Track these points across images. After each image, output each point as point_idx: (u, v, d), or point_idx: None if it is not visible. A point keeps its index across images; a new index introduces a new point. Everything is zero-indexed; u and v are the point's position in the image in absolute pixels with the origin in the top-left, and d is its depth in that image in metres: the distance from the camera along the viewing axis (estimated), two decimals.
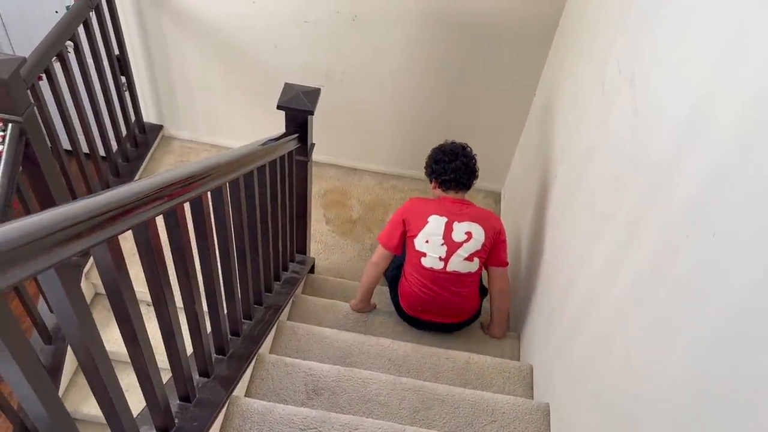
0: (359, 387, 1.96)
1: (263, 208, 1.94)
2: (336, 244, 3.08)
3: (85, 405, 2.46)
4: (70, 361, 2.43)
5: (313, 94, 2.17)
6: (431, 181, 2.39)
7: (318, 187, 3.30)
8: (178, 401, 1.50)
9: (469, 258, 2.26)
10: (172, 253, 1.28)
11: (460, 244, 2.25)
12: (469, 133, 3.15)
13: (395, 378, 2.01)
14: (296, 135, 2.19)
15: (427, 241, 2.26)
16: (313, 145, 2.34)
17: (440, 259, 2.26)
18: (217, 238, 1.53)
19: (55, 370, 2.34)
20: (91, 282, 2.65)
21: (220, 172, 1.48)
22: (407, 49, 2.87)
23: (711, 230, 1.09)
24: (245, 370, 1.78)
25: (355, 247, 3.08)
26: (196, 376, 1.62)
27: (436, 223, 2.25)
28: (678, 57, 1.38)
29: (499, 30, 2.74)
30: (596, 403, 1.55)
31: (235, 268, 1.66)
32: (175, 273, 1.33)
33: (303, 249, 2.68)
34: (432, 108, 3.09)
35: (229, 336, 1.86)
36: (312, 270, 2.85)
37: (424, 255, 2.27)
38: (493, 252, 2.31)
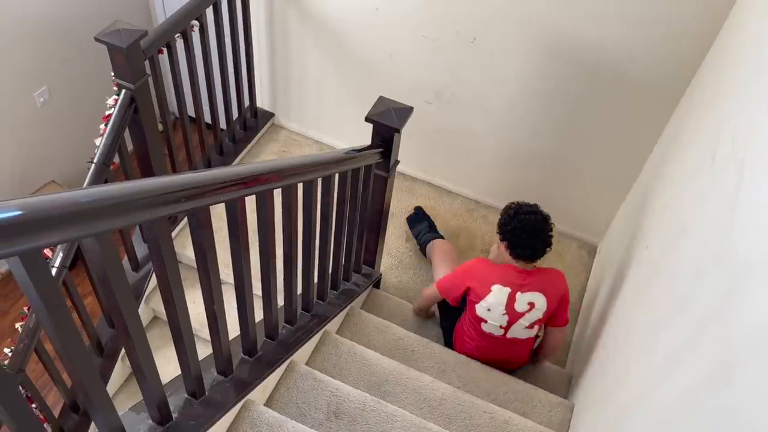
0: (382, 421, 1.88)
1: (325, 216, 1.92)
2: (410, 264, 3.00)
3: None
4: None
5: (404, 112, 2.11)
6: (502, 241, 2.24)
7: (407, 202, 3.24)
8: (185, 395, 1.50)
9: (530, 326, 2.26)
10: (195, 251, 1.28)
11: (522, 314, 2.23)
12: (573, 178, 2.97)
13: (422, 421, 1.91)
14: (380, 150, 2.14)
15: (488, 310, 2.24)
16: (397, 162, 2.28)
17: (501, 327, 2.27)
18: (259, 238, 1.52)
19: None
20: (150, 307, 2.77)
21: (288, 173, 1.47)
22: (522, 81, 2.73)
23: None
24: (266, 377, 1.75)
25: (429, 272, 2.98)
26: (214, 373, 1.62)
27: (499, 294, 2.21)
28: None
29: (627, 76, 2.52)
30: None
31: (273, 270, 1.64)
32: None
33: (371, 262, 2.63)
34: (539, 145, 2.93)
35: (264, 338, 1.86)
36: (378, 285, 2.79)
37: (485, 321, 2.28)
38: (554, 314, 2.27)
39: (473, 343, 2.38)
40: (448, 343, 2.54)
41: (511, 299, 2.20)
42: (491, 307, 2.23)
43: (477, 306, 2.25)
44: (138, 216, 0.99)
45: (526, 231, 2.15)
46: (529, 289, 2.20)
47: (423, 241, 2.96)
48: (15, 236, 0.77)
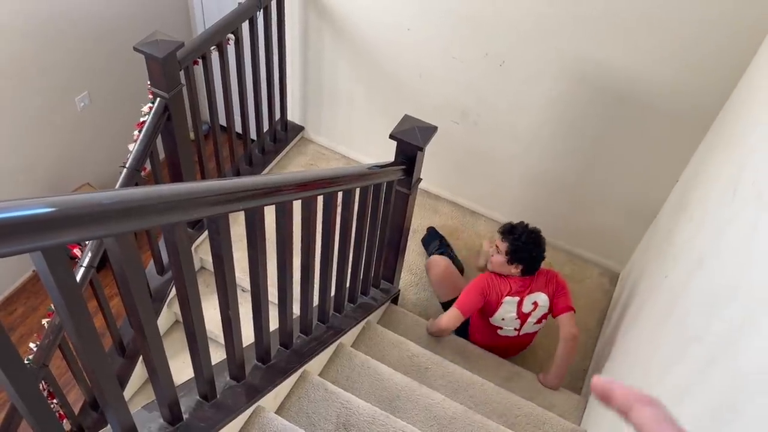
0: None
1: (345, 229, 1.95)
2: (430, 282, 3.01)
3: None
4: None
5: (428, 131, 2.14)
6: (511, 263, 2.44)
7: (430, 220, 3.25)
8: (197, 397, 1.54)
9: (538, 321, 2.53)
10: (213, 258, 1.32)
11: (529, 314, 2.49)
12: (598, 204, 2.96)
13: None
14: (402, 167, 2.17)
15: (503, 319, 2.50)
16: (419, 179, 2.30)
17: (515, 329, 2.54)
18: (277, 248, 1.55)
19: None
20: (173, 311, 2.83)
21: (307, 186, 1.51)
22: (549, 106, 2.74)
23: None
24: (278, 384, 1.78)
25: None
26: (226, 378, 1.65)
27: (510, 305, 2.47)
28: None
29: (654, 105, 2.52)
30: None
31: (290, 280, 1.67)
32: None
33: (390, 278, 2.65)
34: (564, 170, 2.93)
35: (278, 347, 1.89)
36: (396, 300, 2.81)
37: (501, 328, 2.54)
38: (555, 302, 2.47)
39: (489, 341, 2.63)
40: (463, 334, 2.77)
41: (519, 305, 2.47)
42: (505, 316, 2.48)
43: (492, 318, 2.49)
44: (157, 219, 1.03)
45: (533, 258, 2.43)
46: (530, 292, 2.46)
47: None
48: (38, 232, 0.81)
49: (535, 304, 2.47)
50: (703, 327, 1.41)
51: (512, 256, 2.41)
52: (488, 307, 2.48)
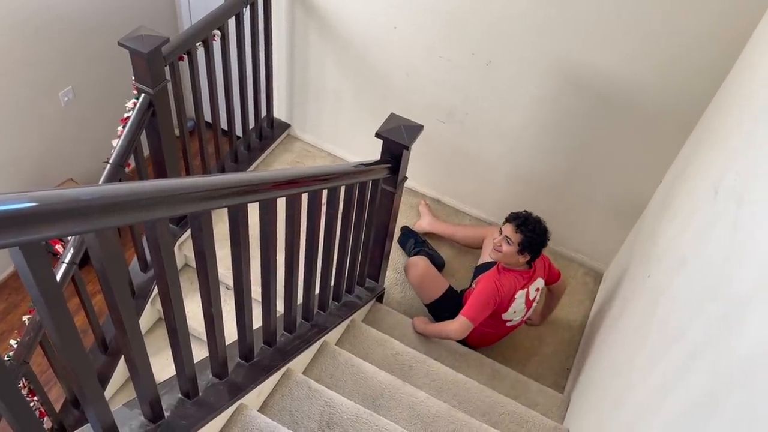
0: None
1: (329, 227, 1.94)
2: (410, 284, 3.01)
3: None
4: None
5: (414, 129, 2.14)
6: (521, 254, 2.46)
7: (415, 218, 3.25)
8: (178, 395, 1.53)
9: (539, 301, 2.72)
10: (195, 254, 1.31)
11: (534, 299, 2.63)
12: (583, 204, 2.98)
13: None
14: (388, 165, 2.17)
15: (514, 312, 2.57)
16: (405, 178, 2.31)
17: (522, 317, 2.64)
18: (261, 246, 1.55)
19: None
20: (156, 308, 2.81)
21: (291, 183, 1.51)
22: (534, 106, 2.75)
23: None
24: (261, 382, 1.78)
25: None
26: (209, 375, 1.65)
27: (520, 298, 2.55)
28: None
29: (639, 106, 2.54)
30: None
31: (273, 278, 1.67)
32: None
33: (375, 276, 2.65)
34: (549, 171, 2.94)
35: (262, 345, 1.88)
36: (380, 299, 2.81)
37: (511, 320, 2.61)
38: (548, 279, 2.66)
39: (496, 330, 2.67)
40: None
41: (527, 295, 2.56)
42: (516, 309, 2.56)
43: (504, 314, 2.56)
44: (139, 216, 1.02)
45: (541, 249, 2.50)
46: (533, 280, 2.57)
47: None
48: (18, 227, 0.80)
49: (538, 289, 2.62)
50: (686, 325, 1.42)
51: (524, 247, 2.44)
52: (500, 308, 2.52)
